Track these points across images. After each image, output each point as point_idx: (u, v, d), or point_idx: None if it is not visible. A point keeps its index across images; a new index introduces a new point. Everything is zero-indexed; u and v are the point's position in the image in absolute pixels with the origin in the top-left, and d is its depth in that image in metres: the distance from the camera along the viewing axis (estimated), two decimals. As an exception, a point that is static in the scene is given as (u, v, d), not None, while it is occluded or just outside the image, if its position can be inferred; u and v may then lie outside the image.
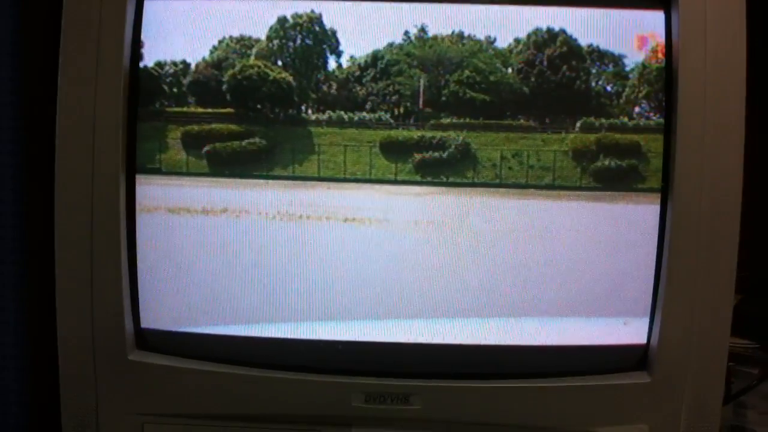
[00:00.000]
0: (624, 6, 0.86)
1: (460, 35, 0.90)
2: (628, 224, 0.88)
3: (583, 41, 0.87)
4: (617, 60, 0.87)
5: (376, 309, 0.90)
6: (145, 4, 0.88)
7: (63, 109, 0.85)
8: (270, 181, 0.93)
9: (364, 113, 0.93)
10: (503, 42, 0.89)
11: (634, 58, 0.87)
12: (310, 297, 0.90)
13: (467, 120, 0.90)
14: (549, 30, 0.88)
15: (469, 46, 0.90)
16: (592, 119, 0.88)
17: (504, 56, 0.89)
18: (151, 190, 0.89)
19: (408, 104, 0.91)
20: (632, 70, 0.87)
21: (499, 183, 0.90)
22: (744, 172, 0.84)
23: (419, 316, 0.90)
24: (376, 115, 0.93)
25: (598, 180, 0.88)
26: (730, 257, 0.84)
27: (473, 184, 0.90)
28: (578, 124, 0.88)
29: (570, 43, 0.87)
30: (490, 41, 0.89)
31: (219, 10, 0.91)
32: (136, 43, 0.87)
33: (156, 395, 0.88)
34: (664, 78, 0.85)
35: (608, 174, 0.88)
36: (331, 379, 0.87)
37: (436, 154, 0.91)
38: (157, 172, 0.90)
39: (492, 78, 0.90)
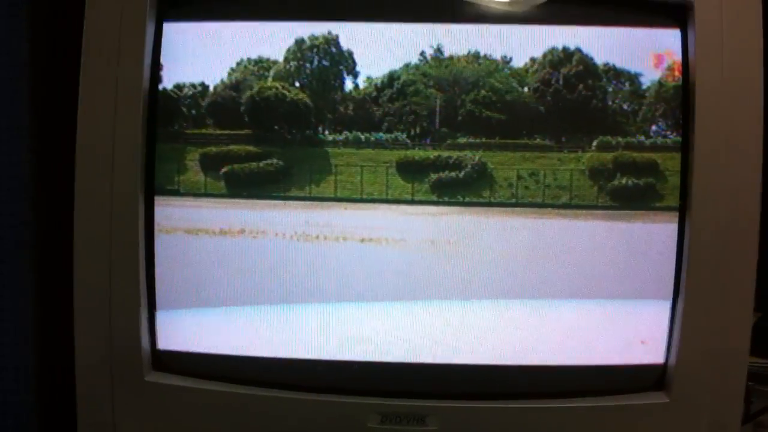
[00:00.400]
0: (640, 25, 0.87)
1: (476, 55, 0.90)
2: (647, 243, 0.87)
3: (599, 60, 0.87)
4: (633, 78, 0.87)
5: (393, 329, 0.90)
6: (165, 26, 0.88)
7: (82, 131, 0.86)
8: (287, 202, 0.93)
9: (381, 133, 0.93)
10: (519, 61, 0.89)
11: (650, 76, 0.86)
12: (326, 317, 0.90)
13: (483, 139, 0.90)
14: (565, 49, 0.88)
15: (485, 66, 0.90)
16: (608, 138, 0.87)
17: (520, 75, 0.89)
18: (169, 211, 0.90)
19: (424, 124, 0.92)
20: (648, 88, 0.87)
21: (515, 202, 0.89)
22: (762, 188, 0.84)
23: (435, 336, 0.89)
24: (393, 136, 0.93)
25: (615, 199, 0.87)
26: (749, 275, 0.84)
27: (490, 204, 0.90)
28: (594, 143, 0.88)
29: (586, 61, 0.87)
30: (506, 61, 0.89)
31: (237, 33, 0.92)
32: (156, 65, 0.88)
33: (173, 416, 0.88)
34: (681, 95, 0.85)
35: (625, 192, 0.87)
36: (347, 399, 0.87)
37: (453, 173, 0.91)
38: (176, 193, 0.90)
39: (508, 97, 0.90)
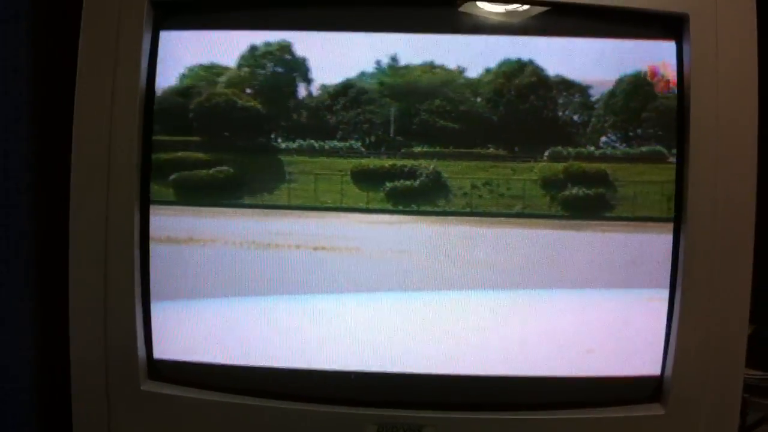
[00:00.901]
0: (636, 37, 0.88)
1: (432, 65, 0.91)
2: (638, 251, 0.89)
3: (552, 71, 0.88)
4: (584, 90, 0.89)
5: (360, 338, 0.90)
6: (161, 35, 0.89)
7: (79, 139, 0.87)
8: (239, 210, 0.92)
9: (335, 142, 0.93)
10: (474, 72, 0.90)
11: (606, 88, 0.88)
12: (314, 328, 0.90)
13: (438, 149, 0.91)
14: (519, 60, 0.89)
15: (440, 76, 0.90)
16: (560, 148, 0.89)
17: (475, 86, 0.90)
18: (164, 219, 0.90)
19: (379, 133, 0.92)
20: (598, 100, 0.89)
21: (470, 212, 0.90)
22: (757, 200, 0.84)
23: (427, 346, 0.90)
24: (347, 144, 0.93)
25: (567, 208, 0.89)
26: (745, 287, 0.85)
27: (445, 213, 0.91)
28: (546, 153, 0.89)
29: (539, 73, 0.89)
30: (461, 71, 0.90)
31: (188, 39, 0.90)
32: (152, 74, 0.88)
33: (169, 425, 0.88)
34: (676, 108, 0.86)
35: (577, 202, 0.89)
36: (344, 410, 0.87)
37: (408, 182, 0.92)
38: (168, 202, 0.91)
39: (461, 107, 0.91)
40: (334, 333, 0.90)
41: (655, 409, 0.87)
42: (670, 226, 0.87)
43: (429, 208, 0.91)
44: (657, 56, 0.87)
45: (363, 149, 0.93)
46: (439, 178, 0.91)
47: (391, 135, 0.92)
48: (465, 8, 0.90)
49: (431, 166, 0.91)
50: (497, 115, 0.90)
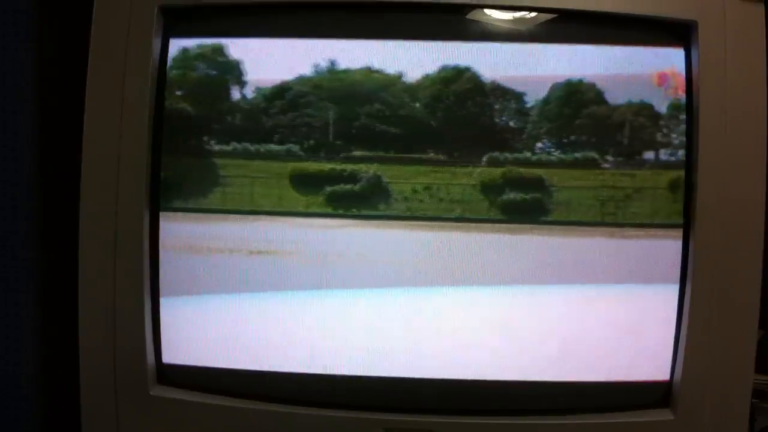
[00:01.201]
0: (645, 43, 0.89)
1: (370, 69, 0.91)
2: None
3: (488, 77, 0.90)
4: (519, 97, 0.91)
5: (368, 343, 0.90)
6: (171, 42, 0.88)
7: (88, 147, 0.86)
8: (174, 213, 0.89)
9: (272, 145, 0.91)
10: (414, 76, 0.90)
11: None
12: (323, 333, 0.90)
13: (380, 153, 0.90)
14: (455, 67, 0.90)
15: (379, 80, 0.91)
16: (498, 154, 0.90)
17: (413, 91, 0.91)
18: (173, 224, 0.90)
19: (318, 136, 0.91)
20: (533, 106, 0.91)
21: (410, 216, 0.90)
22: (766, 205, 0.85)
23: (437, 351, 0.90)
24: (285, 147, 0.91)
25: (505, 212, 0.90)
26: (753, 292, 0.85)
27: (386, 217, 0.90)
28: (485, 159, 0.90)
29: (475, 79, 0.90)
30: (400, 75, 0.90)
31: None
32: (162, 81, 0.88)
33: (177, 430, 0.88)
34: (685, 114, 0.87)
35: (513, 206, 0.90)
36: (352, 414, 0.87)
37: (348, 186, 0.91)
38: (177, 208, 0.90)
39: (401, 112, 0.91)
40: (343, 338, 0.89)
41: (664, 415, 0.88)
42: (680, 231, 0.88)
43: (369, 212, 0.91)
44: (665, 63, 0.89)
45: (302, 153, 0.91)
46: (379, 182, 0.91)
47: (331, 139, 0.91)
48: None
49: (371, 170, 0.91)
50: (436, 121, 0.91)
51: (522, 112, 0.91)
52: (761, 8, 0.85)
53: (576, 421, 0.87)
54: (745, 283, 0.85)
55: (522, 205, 0.90)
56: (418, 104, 0.92)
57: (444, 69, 0.91)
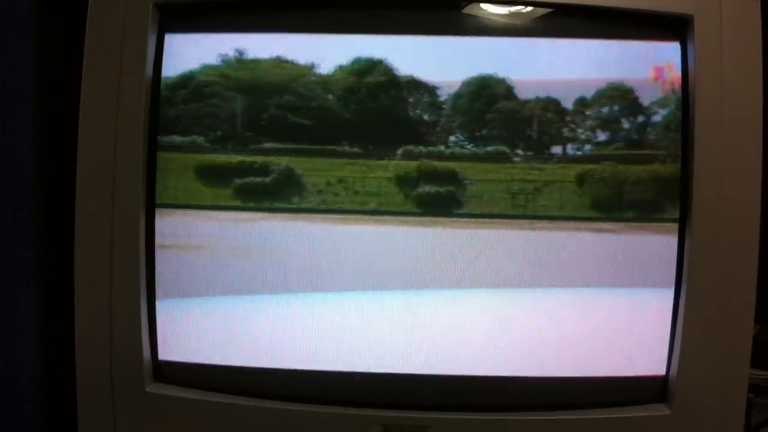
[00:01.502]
0: (640, 38, 0.88)
1: (280, 60, 0.88)
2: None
3: (403, 71, 0.89)
4: (432, 90, 0.90)
5: (364, 339, 0.88)
6: (166, 38, 0.87)
7: (84, 144, 0.85)
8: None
9: (175, 136, 0.86)
10: (326, 69, 0.88)
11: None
12: (328, 328, 0.88)
13: (292, 145, 0.88)
14: (368, 59, 0.88)
15: (290, 71, 0.88)
16: (412, 147, 0.89)
17: (326, 83, 0.88)
18: (169, 221, 0.88)
19: (225, 127, 0.86)
20: (445, 101, 0.91)
21: (324, 209, 0.88)
22: (762, 201, 0.85)
23: (435, 347, 0.88)
24: (190, 139, 0.86)
25: (420, 205, 0.89)
26: (749, 287, 0.85)
27: (299, 210, 0.87)
28: (400, 152, 0.89)
29: (389, 72, 0.89)
30: (312, 67, 0.88)
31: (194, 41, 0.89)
32: (157, 77, 0.86)
33: (174, 427, 0.88)
34: (681, 109, 0.86)
35: (430, 199, 0.89)
36: (349, 411, 0.86)
37: (258, 179, 0.87)
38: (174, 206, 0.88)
39: (313, 104, 0.88)
40: (338, 334, 0.88)
41: (661, 410, 0.87)
42: (676, 227, 0.87)
43: (282, 205, 0.87)
44: (661, 57, 0.89)
45: (208, 144, 0.86)
46: (292, 174, 0.88)
47: (239, 130, 0.87)
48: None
49: (283, 163, 0.87)
50: (350, 113, 0.89)
51: (435, 105, 0.90)
52: (757, 2, 0.85)
53: (572, 417, 0.87)
54: (741, 278, 0.85)
55: (437, 198, 0.89)
56: (331, 96, 0.89)
57: (357, 61, 0.88)
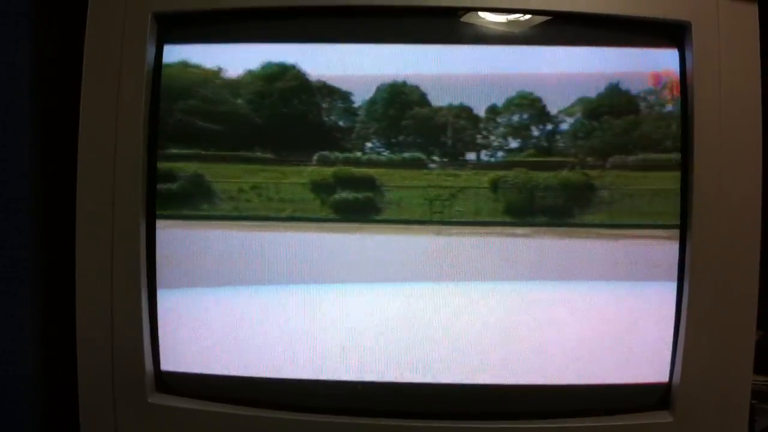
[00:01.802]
0: (637, 44, 0.87)
1: (186, 64, 0.85)
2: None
3: (313, 76, 0.87)
4: (346, 96, 0.88)
5: (367, 348, 0.87)
6: (165, 48, 0.85)
7: (84, 155, 0.84)
8: None
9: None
10: (235, 72, 0.85)
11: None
12: (327, 337, 0.87)
13: (200, 151, 0.85)
14: (280, 64, 0.86)
15: (197, 75, 0.84)
16: (328, 153, 0.87)
17: (234, 87, 0.85)
18: (170, 233, 0.86)
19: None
20: (359, 107, 0.89)
21: (237, 215, 0.85)
22: (763, 206, 0.84)
23: (430, 355, 0.87)
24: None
25: (337, 211, 0.86)
26: (751, 293, 0.84)
27: (209, 217, 0.83)
28: (315, 157, 0.86)
29: (300, 77, 0.87)
30: (218, 70, 0.85)
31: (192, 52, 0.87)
32: (156, 88, 0.85)
33: None
34: (680, 115, 0.85)
35: (347, 206, 0.87)
36: (352, 420, 0.86)
37: (166, 186, 0.84)
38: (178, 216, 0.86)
39: (222, 109, 0.85)
40: (341, 344, 0.87)
41: (663, 417, 0.86)
42: (677, 232, 0.86)
43: (190, 212, 0.84)
44: (659, 64, 0.87)
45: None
46: (201, 181, 0.84)
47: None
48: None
49: (192, 170, 0.83)
50: (261, 118, 0.86)
51: (350, 111, 0.88)
52: (754, 7, 0.84)
53: (575, 425, 0.86)
54: (743, 284, 0.84)
55: (354, 204, 0.87)
56: (240, 101, 0.85)
57: (267, 66, 0.86)
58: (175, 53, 0.86)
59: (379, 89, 0.89)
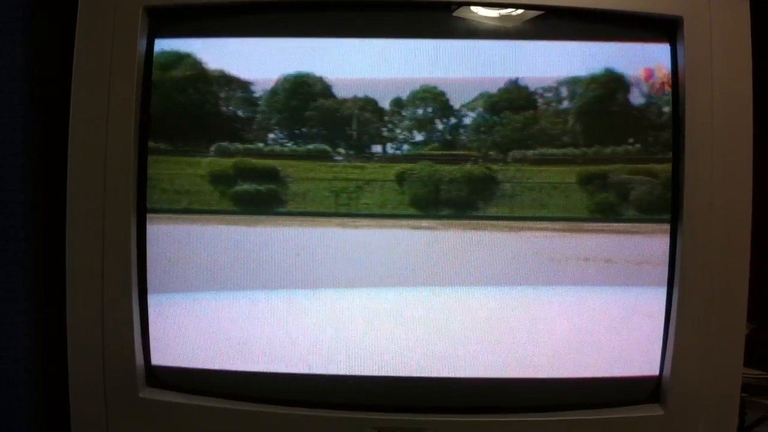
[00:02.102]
0: (629, 39, 0.86)
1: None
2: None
3: (213, 66, 0.84)
4: (246, 86, 0.85)
5: (358, 342, 0.86)
6: (156, 43, 0.84)
7: (74, 148, 0.83)
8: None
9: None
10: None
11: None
12: (321, 331, 0.86)
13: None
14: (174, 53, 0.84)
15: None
16: (227, 144, 0.84)
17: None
18: (160, 228, 0.85)
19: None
20: (260, 97, 0.85)
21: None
22: (754, 199, 0.84)
23: (430, 350, 0.86)
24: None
25: (239, 203, 0.83)
26: (742, 287, 0.84)
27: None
28: (213, 148, 0.84)
29: (198, 66, 0.84)
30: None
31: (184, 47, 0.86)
32: (147, 83, 0.84)
33: None
34: (672, 109, 0.85)
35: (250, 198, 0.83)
36: (343, 414, 0.86)
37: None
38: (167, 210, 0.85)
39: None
40: (332, 338, 0.86)
41: (654, 410, 0.86)
42: (666, 228, 0.86)
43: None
44: (651, 59, 0.86)
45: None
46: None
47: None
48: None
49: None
50: (155, 108, 0.83)
51: (250, 102, 0.84)
52: (746, 3, 0.85)
53: (566, 418, 0.86)
54: (734, 278, 0.84)
55: (256, 197, 0.84)
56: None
57: (162, 54, 0.82)
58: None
59: (280, 80, 0.85)
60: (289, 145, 0.86)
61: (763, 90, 0.87)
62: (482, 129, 0.86)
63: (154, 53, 0.84)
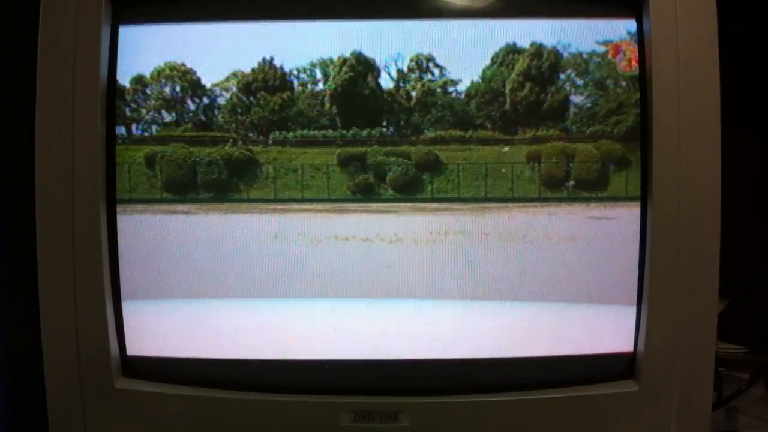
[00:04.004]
0: (595, 15, 0.85)
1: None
2: None
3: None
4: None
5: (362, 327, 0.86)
6: (120, 29, 0.84)
7: (42, 138, 0.83)
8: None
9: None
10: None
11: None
12: (295, 317, 0.86)
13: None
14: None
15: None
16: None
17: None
18: (131, 217, 0.86)
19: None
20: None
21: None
22: (722, 174, 0.83)
23: (405, 333, 0.86)
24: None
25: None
26: (713, 261, 0.84)
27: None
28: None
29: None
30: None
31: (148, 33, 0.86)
32: (113, 69, 0.84)
33: (145, 422, 0.87)
34: (639, 85, 0.84)
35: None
36: (319, 399, 0.85)
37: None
38: (135, 200, 0.86)
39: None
40: (307, 323, 0.86)
41: (629, 386, 0.86)
42: (636, 205, 0.85)
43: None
44: (619, 34, 0.86)
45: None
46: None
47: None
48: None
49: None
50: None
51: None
52: None
53: (541, 396, 0.85)
54: (705, 254, 0.84)
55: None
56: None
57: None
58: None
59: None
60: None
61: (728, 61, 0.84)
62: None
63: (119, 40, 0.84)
